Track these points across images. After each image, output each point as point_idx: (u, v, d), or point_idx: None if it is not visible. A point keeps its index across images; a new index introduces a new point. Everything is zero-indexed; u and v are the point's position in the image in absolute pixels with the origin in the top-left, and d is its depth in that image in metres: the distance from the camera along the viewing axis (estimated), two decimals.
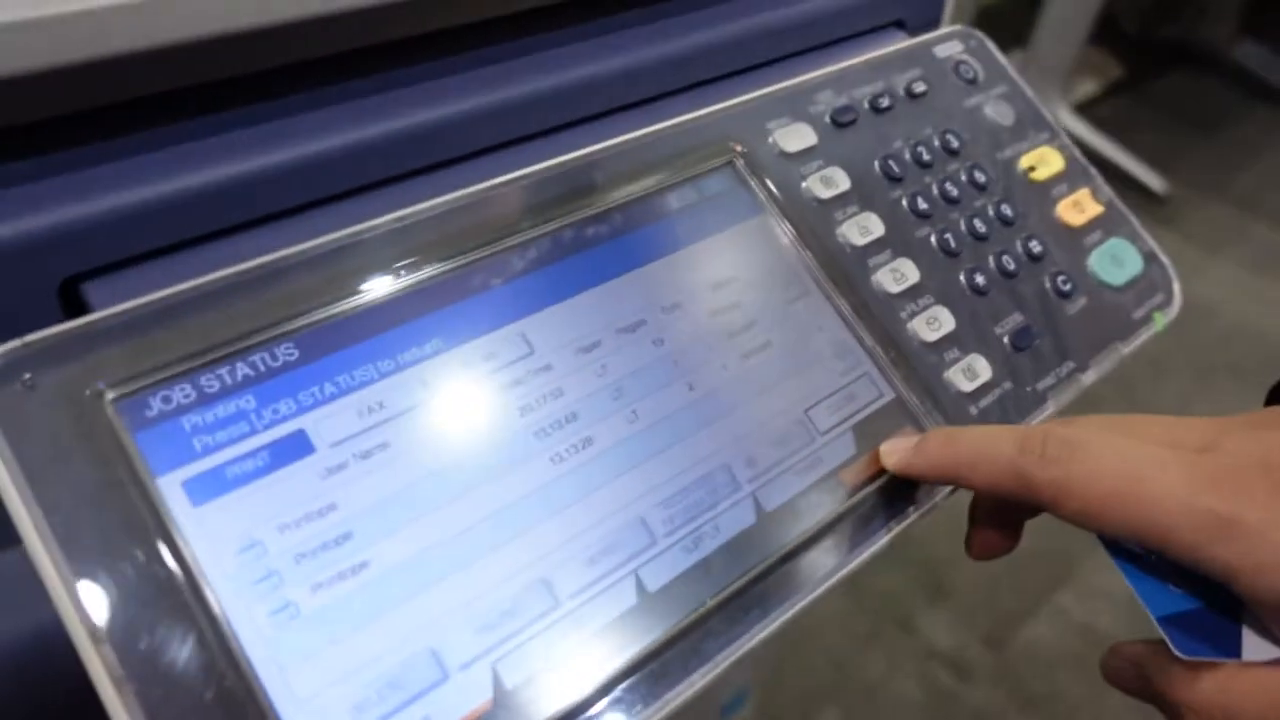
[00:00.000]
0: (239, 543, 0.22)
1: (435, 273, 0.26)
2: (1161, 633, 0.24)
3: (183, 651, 0.20)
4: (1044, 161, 0.38)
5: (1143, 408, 1.44)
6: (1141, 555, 0.25)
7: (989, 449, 0.25)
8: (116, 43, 0.23)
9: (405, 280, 0.26)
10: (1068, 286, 0.35)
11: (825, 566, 0.26)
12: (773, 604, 0.25)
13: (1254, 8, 2.14)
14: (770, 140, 0.33)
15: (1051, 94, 1.86)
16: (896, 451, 0.28)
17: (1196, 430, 0.24)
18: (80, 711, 0.23)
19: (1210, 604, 0.24)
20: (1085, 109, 1.97)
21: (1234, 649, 0.23)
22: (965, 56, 0.39)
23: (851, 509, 0.28)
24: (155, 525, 0.21)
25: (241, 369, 0.23)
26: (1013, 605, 1.20)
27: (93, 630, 0.19)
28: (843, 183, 0.33)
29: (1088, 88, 2.08)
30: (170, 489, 0.21)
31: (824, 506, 0.28)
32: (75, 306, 0.24)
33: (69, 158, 0.24)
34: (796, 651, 1.11)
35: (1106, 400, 1.43)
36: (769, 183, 0.32)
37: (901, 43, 0.39)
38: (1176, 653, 0.23)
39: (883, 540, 0.28)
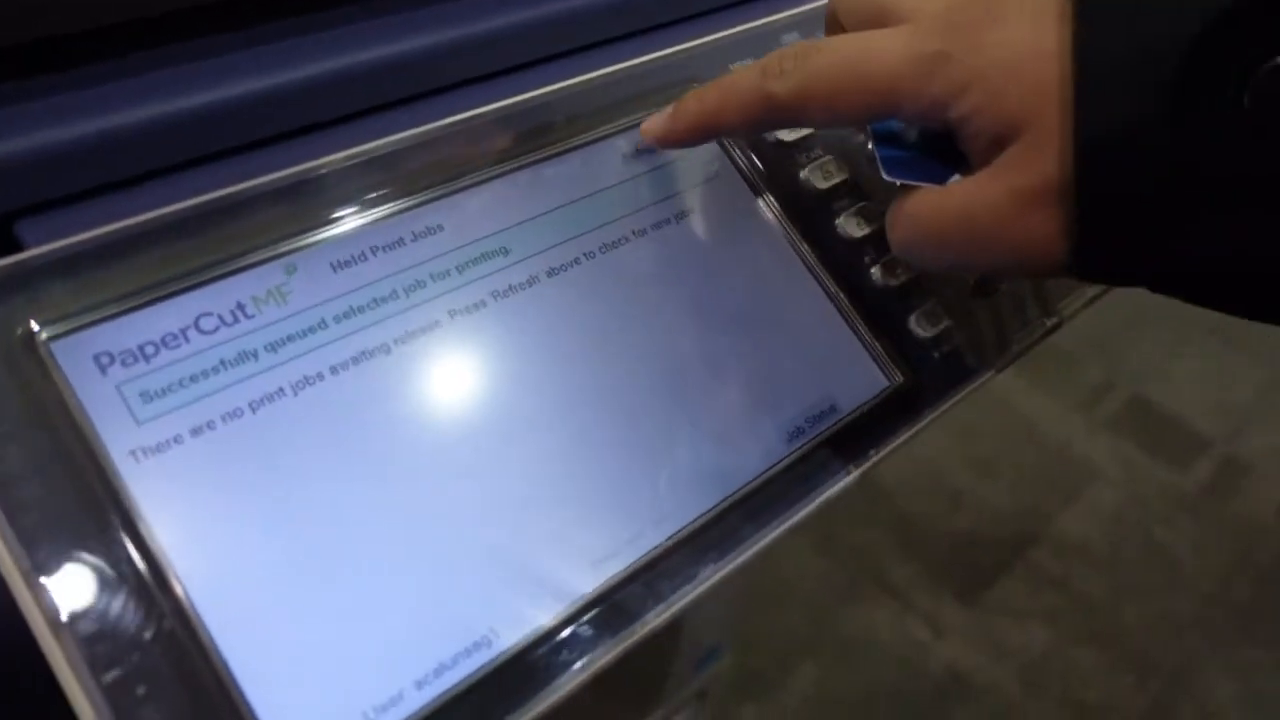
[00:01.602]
0: (176, 487, 0.21)
1: (382, 213, 0.26)
2: (878, 160, 0.26)
3: (119, 596, 0.20)
4: None
5: (1117, 363, 1.44)
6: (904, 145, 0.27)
7: (736, 84, 0.26)
8: None
9: (358, 220, 0.25)
10: None
11: (783, 508, 0.26)
12: (729, 545, 0.25)
13: None
14: None
15: None
16: (655, 124, 0.28)
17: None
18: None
19: (935, 156, 0.26)
20: None
21: (938, 180, 0.25)
22: None
23: (810, 453, 0.28)
24: (91, 464, 0.20)
25: (180, 308, 0.23)
26: (986, 561, 1.22)
27: (26, 573, 0.19)
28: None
29: None
30: (111, 428, 0.21)
31: (779, 451, 0.27)
32: (9, 245, 0.23)
33: (5, 90, 0.23)
34: (773, 606, 1.13)
35: (1080, 358, 1.44)
36: None
37: None
38: (884, 175, 0.26)
39: (842, 483, 0.28)
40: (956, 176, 0.26)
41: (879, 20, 0.26)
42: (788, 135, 0.32)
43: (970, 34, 0.23)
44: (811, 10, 0.35)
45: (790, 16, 0.34)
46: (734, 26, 0.34)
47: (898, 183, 0.26)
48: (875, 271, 0.31)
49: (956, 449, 1.31)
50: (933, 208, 0.25)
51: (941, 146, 0.26)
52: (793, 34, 0.34)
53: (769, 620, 1.12)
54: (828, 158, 0.32)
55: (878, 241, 0.32)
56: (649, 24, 0.34)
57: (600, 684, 0.23)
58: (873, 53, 0.24)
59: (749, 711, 1.05)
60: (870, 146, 0.27)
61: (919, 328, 0.31)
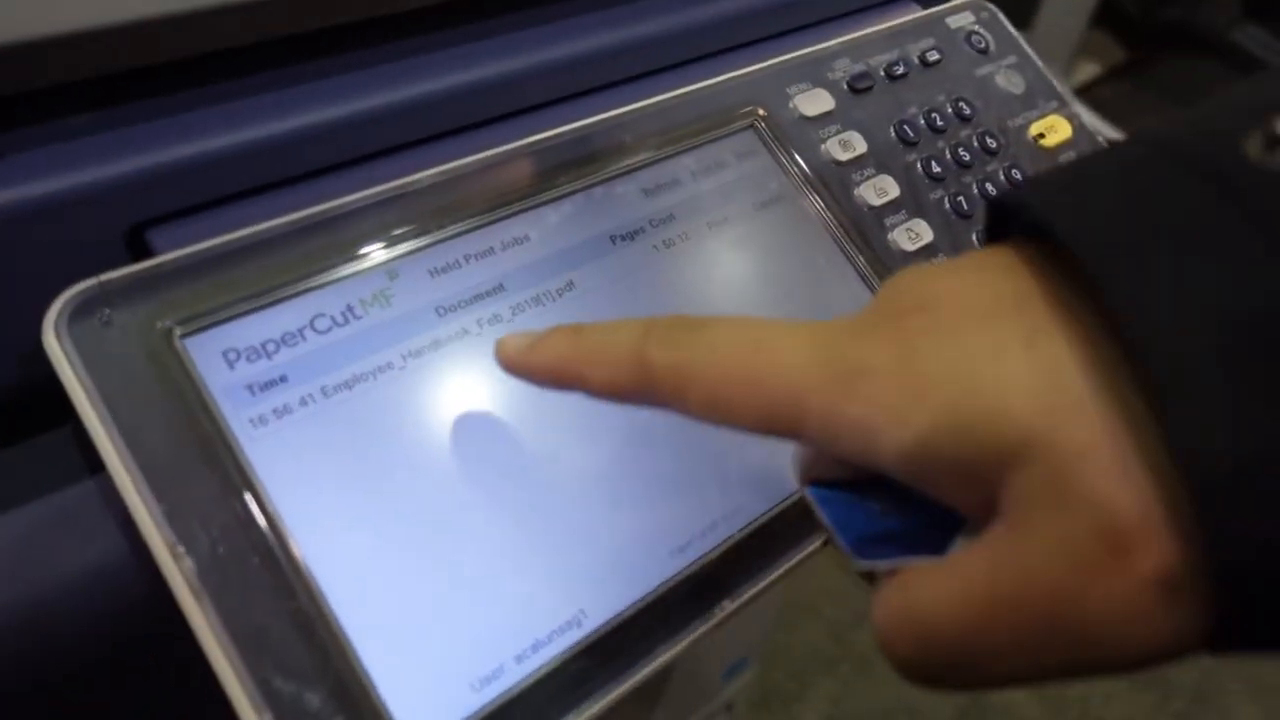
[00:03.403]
0: (295, 462, 0.23)
1: (473, 224, 0.28)
2: (839, 541, 0.20)
3: (251, 562, 0.21)
4: (1053, 129, 0.39)
5: None
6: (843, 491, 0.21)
7: (611, 339, 0.21)
8: (185, 4, 0.24)
9: (445, 231, 0.27)
10: None
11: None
12: (794, 538, 0.27)
13: None
14: (790, 105, 0.34)
15: (1053, 76, 1.87)
16: (513, 343, 0.23)
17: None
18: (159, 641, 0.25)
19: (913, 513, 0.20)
20: (1086, 91, 1.98)
21: (919, 550, 0.19)
22: (977, 27, 0.40)
23: None
24: (222, 447, 0.22)
25: (298, 309, 0.25)
26: None
27: (170, 543, 0.21)
28: (860, 146, 0.34)
29: (1089, 70, 2.09)
30: (234, 413, 0.23)
31: None
32: (140, 251, 0.25)
33: (137, 111, 0.26)
34: (794, 624, 1.13)
35: None
36: (789, 145, 0.33)
37: (916, 13, 0.40)
38: (854, 559, 0.19)
39: None
40: (957, 541, 0.19)
41: None
42: (842, 154, 0.34)
43: (895, 338, 0.18)
44: (859, 38, 0.37)
45: (843, 43, 0.36)
46: (789, 53, 0.36)
47: (875, 567, 0.19)
48: None
49: None
50: (945, 598, 0.17)
51: (912, 498, 0.19)
52: (844, 59, 0.36)
53: (789, 637, 1.12)
54: (881, 176, 0.34)
55: (928, 251, 0.34)
56: (715, 49, 0.36)
57: (639, 690, 0.25)
58: (776, 347, 0.19)
59: None
60: (819, 513, 0.21)
61: None
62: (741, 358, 0.19)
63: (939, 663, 0.17)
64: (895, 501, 0.20)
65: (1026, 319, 0.17)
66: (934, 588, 0.17)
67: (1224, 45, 2.18)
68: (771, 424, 0.19)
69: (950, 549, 0.18)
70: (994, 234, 0.20)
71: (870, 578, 0.20)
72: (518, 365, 0.23)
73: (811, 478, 0.21)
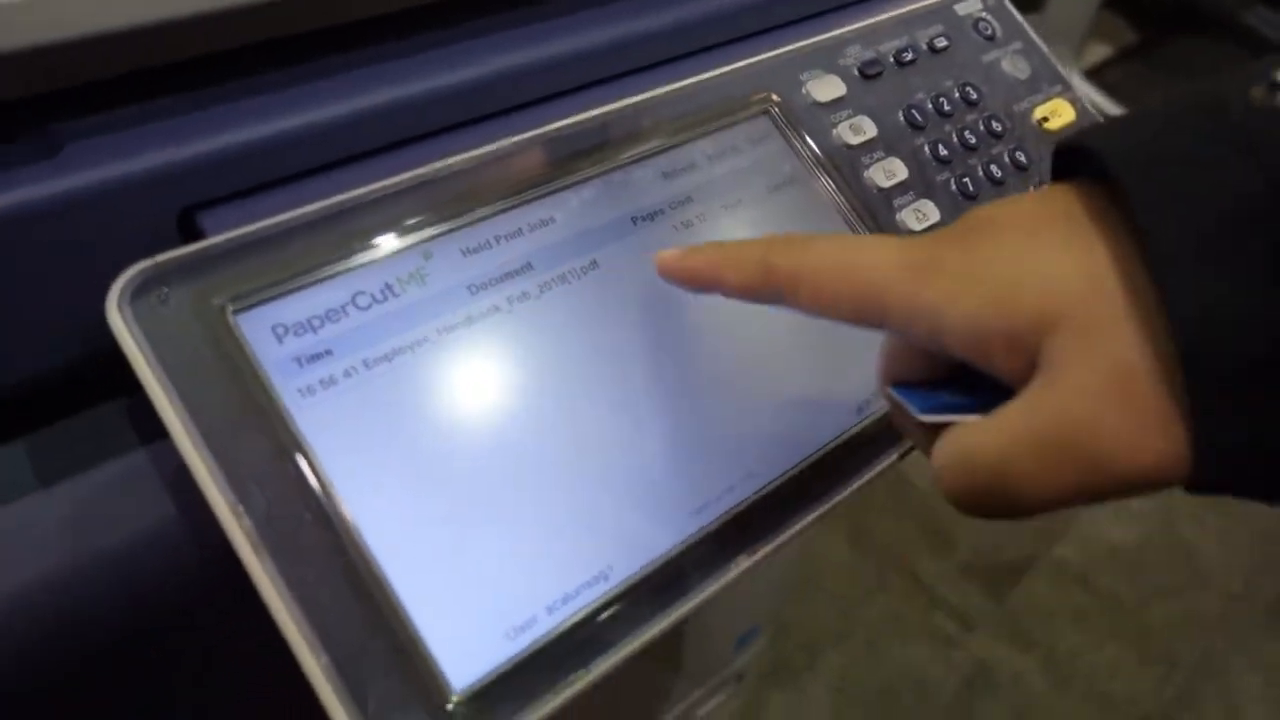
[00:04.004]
0: (341, 429, 0.25)
1: (502, 207, 0.29)
2: (910, 409, 0.24)
3: (305, 520, 0.23)
4: (1057, 113, 0.40)
5: None
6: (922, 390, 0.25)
7: (743, 251, 0.26)
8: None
9: (476, 214, 0.29)
10: None
11: (853, 469, 0.30)
12: (808, 499, 0.29)
13: None
14: (803, 90, 0.36)
15: (1064, 58, 1.86)
16: (668, 254, 0.28)
17: None
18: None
19: (965, 389, 0.24)
20: (1097, 74, 1.98)
21: (980, 408, 0.23)
22: (984, 14, 0.41)
23: (875, 425, 0.31)
24: (274, 415, 0.24)
25: (341, 287, 0.26)
26: (1014, 557, 1.24)
27: (230, 503, 0.23)
28: (870, 130, 0.36)
29: (1100, 52, 2.08)
30: (284, 384, 0.25)
31: (849, 421, 0.31)
32: (191, 232, 0.27)
33: (186, 101, 0.27)
34: (801, 597, 1.15)
35: None
36: (801, 129, 0.35)
37: (924, 0, 0.41)
38: (915, 414, 0.24)
39: (873, 472, 0.31)
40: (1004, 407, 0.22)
41: None
42: (853, 138, 0.35)
43: (962, 245, 0.23)
44: (869, 25, 0.39)
45: (854, 30, 0.38)
46: (802, 40, 0.37)
47: (934, 421, 0.24)
48: None
49: None
50: (988, 437, 0.22)
51: (972, 383, 0.24)
52: (855, 46, 0.38)
53: (797, 611, 1.15)
54: (890, 158, 0.35)
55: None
56: (731, 36, 0.38)
57: (653, 652, 0.26)
58: (869, 252, 0.24)
59: (776, 699, 1.08)
60: (893, 394, 0.25)
61: None
62: (842, 260, 0.24)
63: (982, 487, 0.22)
64: (957, 392, 0.24)
65: (1066, 228, 0.22)
66: (980, 429, 0.22)
67: (1234, 27, 2.16)
68: (863, 312, 0.24)
69: (994, 408, 0.22)
70: (1056, 176, 0.24)
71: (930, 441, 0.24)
72: (672, 270, 0.28)
73: (891, 377, 0.26)
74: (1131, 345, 0.20)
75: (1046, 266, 0.22)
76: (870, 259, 0.24)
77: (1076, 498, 0.21)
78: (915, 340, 0.24)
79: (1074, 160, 0.23)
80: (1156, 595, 1.21)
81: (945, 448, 0.23)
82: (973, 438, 0.22)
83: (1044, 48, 0.42)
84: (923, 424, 0.24)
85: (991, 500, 0.22)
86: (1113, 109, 1.84)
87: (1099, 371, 0.20)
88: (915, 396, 0.25)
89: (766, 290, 0.26)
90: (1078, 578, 1.22)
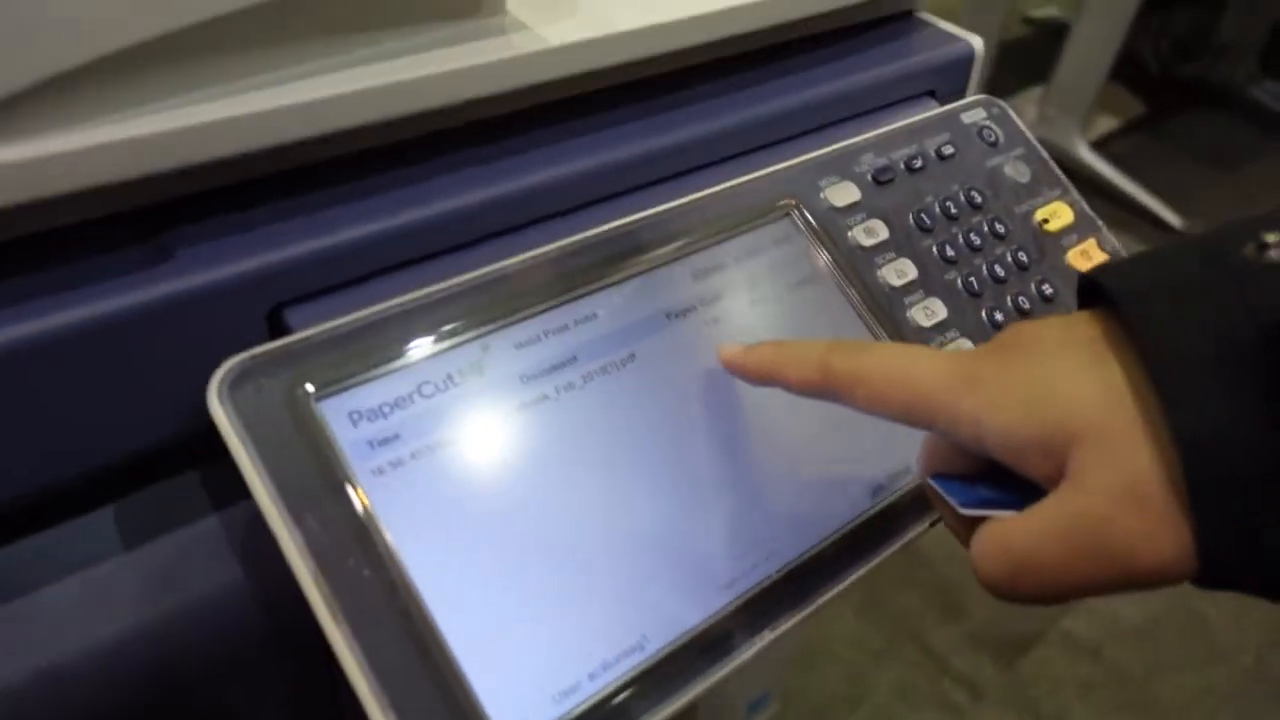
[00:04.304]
0: (407, 505, 0.28)
1: (551, 304, 0.33)
2: (951, 502, 0.27)
3: (375, 587, 0.26)
4: (1056, 215, 0.44)
5: None
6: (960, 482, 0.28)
7: (805, 351, 0.30)
8: (323, 124, 0.29)
9: (527, 311, 0.32)
10: None
11: (870, 548, 0.32)
12: (830, 576, 0.31)
13: (1273, 49, 2.19)
14: (822, 195, 0.39)
15: (1071, 130, 1.91)
16: (731, 349, 0.32)
17: None
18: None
19: (1003, 487, 0.27)
20: (1103, 145, 2.03)
21: (1011, 506, 0.26)
22: (988, 122, 0.45)
23: (890, 506, 0.34)
24: (350, 490, 0.27)
25: (409, 377, 0.29)
26: (1024, 628, 1.24)
27: (312, 571, 0.26)
28: (882, 232, 0.39)
29: (1107, 124, 2.13)
30: (359, 465, 0.28)
31: (865, 503, 0.34)
32: (278, 326, 0.30)
33: (277, 209, 0.31)
34: (813, 666, 1.16)
35: None
36: (820, 232, 0.38)
37: (933, 110, 0.45)
38: (956, 506, 0.27)
39: (916, 531, 0.33)
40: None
41: None
42: (867, 240, 0.39)
43: (1003, 362, 0.26)
44: (881, 135, 0.42)
45: (868, 139, 0.41)
46: (820, 148, 0.40)
47: (975, 514, 0.27)
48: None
49: None
50: (1023, 531, 0.25)
51: (1004, 479, 0.27)
52: (869, 154, 0.41)
53: (807, 679, 1.15)
54: (901, 259, 0.39)
55: (942, 327, 0.38)
56: (755, 145, 0.41)
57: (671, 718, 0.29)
58: (920, 363, 0.27)
59: None
60: (935, 486, 0.28)
61: None
62: (895, 368, 0.28)
63: (1016, 574, 0.25)
64: (992, 486, 0.27)
65: (1089, 351, 0.25)
66: (1017, 523, 0.25)
67: (1241, 101, 2.22)
68: (912, 414, 0.27)
69: (1027, 506, 0.25)
70: (1082, 304, 0.28)
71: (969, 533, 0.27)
72: (735, 365, 0.32)
73: (932, 470, 0.29)
74: (1144, 456, 0.23)
75: (1071, 385, 0.25)
76: (922, 369, 0.27)
77: (1100, 588, 0.24)
78: (958, 441, 0.27)
79: (1096, 290, 0.27)
80: (1166, 668, 1.21)
81: (984, 538, 0.26)
82: (1009, 531, 0.25)
83: (1044, 153, 0.45)
84: (961, 515, 0.27)
85: (1024, 586, 0.25)
86: (1120, 179, 1.88)
87: (1116, 478, 0.23)
88: (955, 488, 0.28)
89: (824, 388, 0.29)
90: (1088, 649, 1.22)
